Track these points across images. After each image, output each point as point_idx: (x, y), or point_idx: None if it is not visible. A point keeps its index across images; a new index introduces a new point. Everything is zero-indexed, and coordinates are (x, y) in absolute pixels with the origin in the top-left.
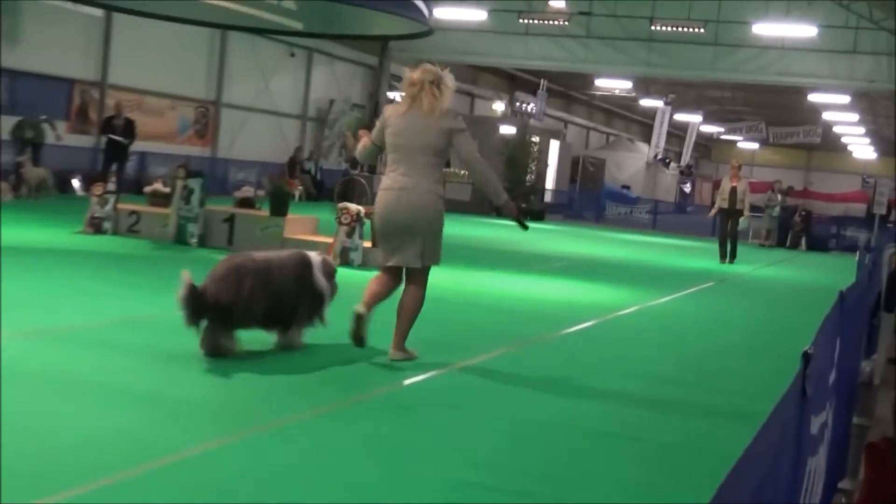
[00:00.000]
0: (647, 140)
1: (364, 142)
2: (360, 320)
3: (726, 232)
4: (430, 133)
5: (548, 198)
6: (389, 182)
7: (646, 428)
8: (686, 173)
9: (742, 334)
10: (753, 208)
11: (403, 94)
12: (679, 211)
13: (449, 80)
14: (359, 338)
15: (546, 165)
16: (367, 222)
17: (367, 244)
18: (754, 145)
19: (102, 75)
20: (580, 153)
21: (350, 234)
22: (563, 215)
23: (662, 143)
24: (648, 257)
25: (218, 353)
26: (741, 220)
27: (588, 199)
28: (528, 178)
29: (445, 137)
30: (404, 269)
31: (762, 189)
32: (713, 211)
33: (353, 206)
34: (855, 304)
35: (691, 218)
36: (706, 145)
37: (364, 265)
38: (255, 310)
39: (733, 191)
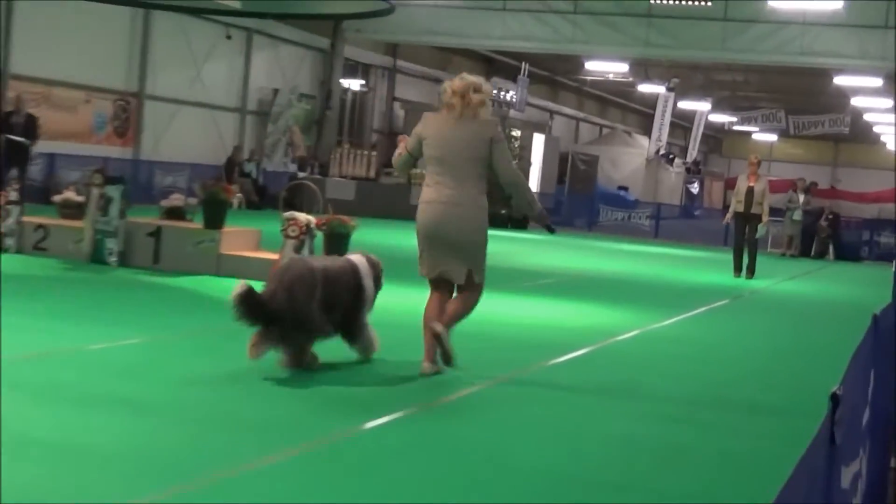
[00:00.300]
0: (647, 133)
1: (400, 149)
2: (440, 339)
3: (742, 240)
4: (474, 143)
5: None
6: (434, 194)
7: (648, 480)
8: (693, 171)
9: (760, 364)
10: (773, 211)
11: (444, 102)
12: (685, 215)
13: (486, 87)
14: (446, 356)
15: (529, 164)
16: (319, 234)
17: None
18: (772, 137)
19: (1, 63)
20: (569, 149)
21: (298, 250)
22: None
23: (665, 137)
24: (650, 271)
25: (300, 364)
26: (760, 227)
27: (579, 202)
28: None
29: (487, 145)
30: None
31: (782, 188)
32: (728, 216)
33: (302, 216)
34: (891, 329)
35: (700, 224)
36: (716, 138)
37: None
38: (323, 321)
39: (750, 192)
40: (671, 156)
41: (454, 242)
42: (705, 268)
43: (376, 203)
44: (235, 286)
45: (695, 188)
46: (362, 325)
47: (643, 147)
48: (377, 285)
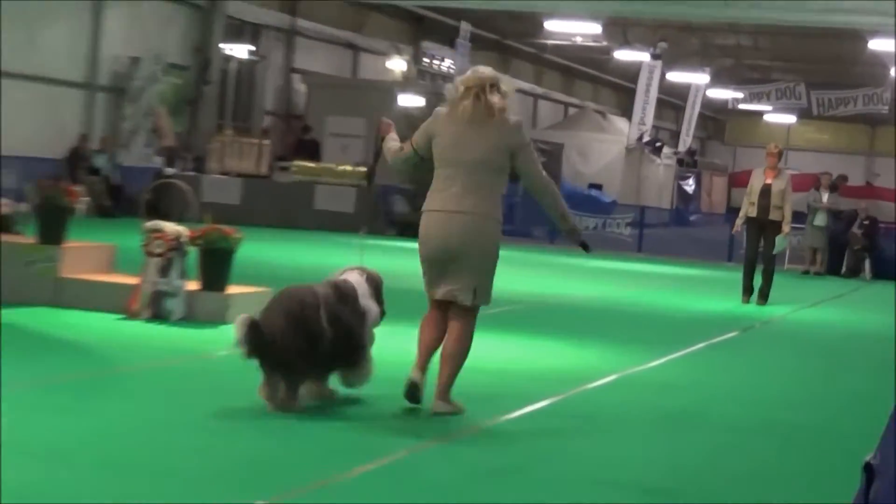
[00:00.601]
0: (627, 113)
1: (393, 142)
2: (414, 390)
3: (756, 255)
4: (490, 147)
5: None
6: (440, 202)
7: None
8: (687, 163)
9: (774, 419)
10: (796, 217)
11: (455, 100)
12: (678, 222)
13: (506, 83)
14: (414, 399)
15: None
16: (193, 250)
17: (193, 285)
18: (789, 118)
19: None
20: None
21: (165, 271)
22: (504, 232)
23: (650, 119)
24: (632, 296)
25: (290, 407)
26: (779, 239)
27: (537, 206)
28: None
29: (508, 153)
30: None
31: (803, 186)
32: (738, 222)
33: (170, 227)
34: None
35: (697, 233)
36: (717, 120)
37: (189, 318)
38: (326, 358)
39: (767, 191)
40: (658, 144)
41: (459, 257)
42: (704, 291)
43: (269, 208)
44: (238, 320)
45: (690, 186)
46: (364, 353)
47: (621, 132)
48: (380, 303)
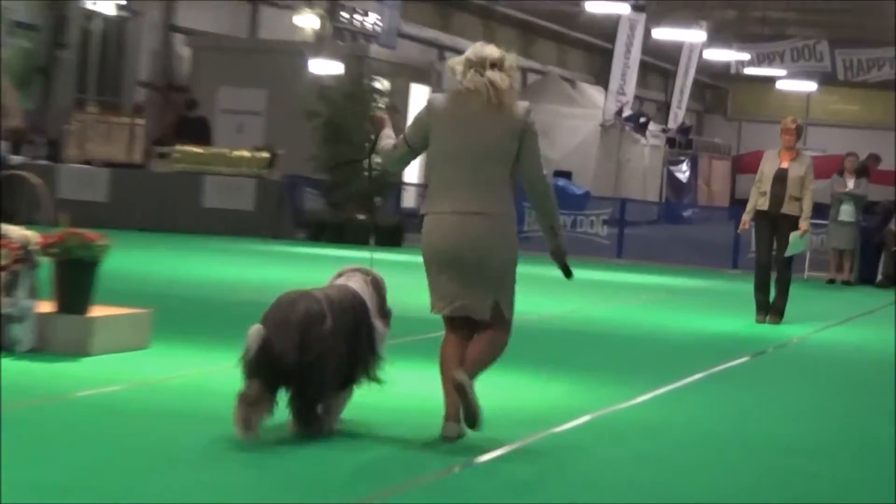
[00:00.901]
0: (602, 81)
1: (388, 139)
2: (462, 390)
3: (769, 259)
4: (499, 135)
5: (409, 201)
6: (447, 203)
7: None
8: (681, 143)
9: (789, 466)
10: (818, 211)
11: (455, 84)
12: (669, 218)
13: (511, 59)
14: (470, 414)
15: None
16: (46, 262)
17: (46, 307)
18: (808, 85)
19: None
20: None
21: (9, 289)
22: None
23: (632, 87)
24: (610, 314)
25: (316, 429)
26: (796, 237)
27: None
28: (368, 161)
29: (517, 140)
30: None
31: (827, 171)
32: (746, 218)
33: (16, 231)
34: None
35: (692, 232)
36: (717, 88)
37: (42, 349)
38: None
39: (782, 177)
40: (643, 119)
41: (475, 265)
42: (703, 307)
43: (145, 206)
44: (253, 330)
45: (683, 173)
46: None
47: (595, 105)
48: (384, 315)
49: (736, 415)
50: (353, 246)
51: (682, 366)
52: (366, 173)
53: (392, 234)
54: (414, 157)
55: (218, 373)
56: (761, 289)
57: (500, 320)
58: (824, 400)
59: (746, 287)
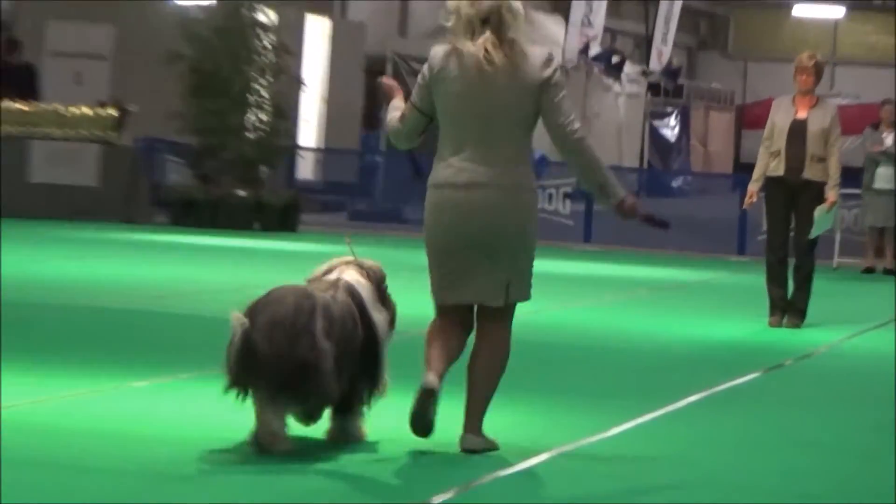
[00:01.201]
0: (562, 10)
1: (397, 110)
2: (428, 398)
3: (784, 242)
4: (513, 90)
5: (306, 172)
6: (451, 173)
7: None
8: (667, 89)
9: None
10: (847, 177)
11: (457, 30)
12: (652, 189)
13: (517, 5)
14: (425, 423)
15: (300, 86)
16: None
17: None
18: (834, 10)
19: None
20: (387, 48)
21: None
22: (351, 214)
23: (601, 18)
24: (577, 316)
25: (278, 446)
26: (821, 212)
27: (409, 166)
28: (250, 120)
29: (535, 96)
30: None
31: (858, 124)
32: (754, 188)
33: None
34: None
35: (683, 207)
36: (714, 16)
37: None
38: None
39: (798, 132)
40: (617, 59)
41: (485, 243)
42: (699, 306)
43: None
44: (236, 317)
45: (671, 129)
46: (360, 393)
47: (554, 41)
48: (388, 309)
49: (742, 451)
50: (233, 232)
51: (672, 386)
52: (248, 133)
53: (284, 215)
54: (428, 124)
55: (57, 404)
56: (776, 281)
57: (509, 309)
58: (861, 432)
59: (756, 280)
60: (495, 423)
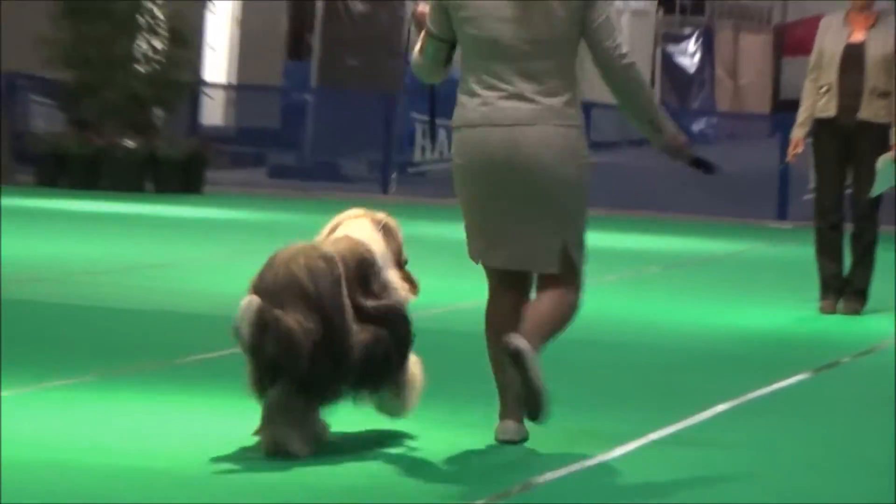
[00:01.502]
0: None
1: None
2: (521, 359)
3: (840, 203)
4: (552, 12)
5: (213, 116)
6: (486, 111)
7: None
8: (683, 6)
9: None
10: None
11: None
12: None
13: None
14: (534, 397)
15: (204, 4)
16: None
17: None
18: None
19: None
20: None
21: None
22: (271, 170)
23: None
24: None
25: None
26: (886, 163)
27: (351, 111)
28: (141, 49)
29: (576, 16)
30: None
31: None
32: (799, 133)
33: None
34: None
35: (708, 155)
36: None
37: None
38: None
39: (854, 59)
40: None
41: (533, 193)
42: (728, 286)
43: None
44: (246, 301)
45: (690, 56)
46: (403, 360)
47: None
48: (401, 266)
49: (788, 476)
50: (119, 194)
51: (692, 391)
52: (138, 66)
53: (185, 172)
54: (450, 51)
55: None
56: (828, 254)
57: (570, 272)
58: None
59: (802, 252)
60: (471, 444)
